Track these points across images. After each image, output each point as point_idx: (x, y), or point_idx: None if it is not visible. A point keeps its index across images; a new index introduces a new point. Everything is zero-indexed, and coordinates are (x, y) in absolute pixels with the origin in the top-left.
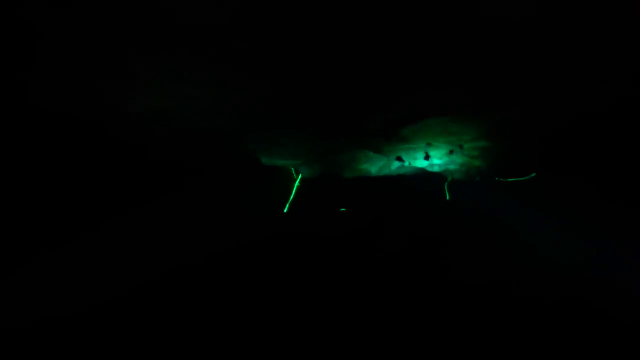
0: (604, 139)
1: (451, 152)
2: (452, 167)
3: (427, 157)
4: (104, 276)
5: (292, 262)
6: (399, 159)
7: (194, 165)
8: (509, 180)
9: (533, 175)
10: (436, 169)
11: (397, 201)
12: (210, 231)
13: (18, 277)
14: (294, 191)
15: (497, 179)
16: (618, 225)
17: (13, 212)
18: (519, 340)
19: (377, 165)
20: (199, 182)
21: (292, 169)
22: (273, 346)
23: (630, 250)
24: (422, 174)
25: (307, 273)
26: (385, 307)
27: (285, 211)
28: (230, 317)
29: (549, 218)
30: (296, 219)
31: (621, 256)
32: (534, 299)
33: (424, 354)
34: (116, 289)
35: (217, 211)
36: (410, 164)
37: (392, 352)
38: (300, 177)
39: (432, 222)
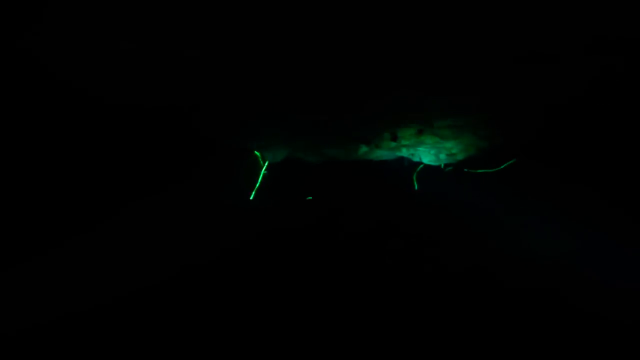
0: (591, 128)
1: (420, 131)
2: (421, 148)
3: (394, 138)
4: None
5: (266, 256)
6: (366, 141)
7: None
8: (479, 171)
9: (512, 161)
10: (404, 152)
11: (364, 188)
12: (187, 229)
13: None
14: (260, 177)
15: (465, 169)
16: (603, 218)
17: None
18: (498, 332)
19: (344, 149)
20: (164, 171)
21: (258, 153)
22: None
23: (613, 243)
24: (390, 158)
25: (275, 265)
26: (355, 297)
27: (251, 198)
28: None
29: (528, 207)
30: (263, 207)
31: (605, 249)
32: (513, 290)
33: (403, 347)
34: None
35: (187, 206)
36: (378, 145)
37: (370, 345)
38: (267, 163)
39: (399, 209)
